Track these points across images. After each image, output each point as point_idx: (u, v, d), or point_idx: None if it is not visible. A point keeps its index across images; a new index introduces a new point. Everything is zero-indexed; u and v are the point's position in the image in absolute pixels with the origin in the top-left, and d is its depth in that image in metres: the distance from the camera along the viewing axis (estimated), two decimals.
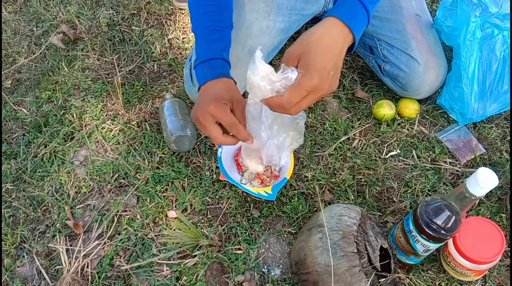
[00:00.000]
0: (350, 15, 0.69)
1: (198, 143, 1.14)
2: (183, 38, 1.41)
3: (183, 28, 1.45)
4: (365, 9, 0.72)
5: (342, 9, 0.69)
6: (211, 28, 0.89)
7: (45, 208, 1.05)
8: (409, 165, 1.08)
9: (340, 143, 1.12)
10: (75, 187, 1.08)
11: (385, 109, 1.14)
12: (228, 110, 0.78)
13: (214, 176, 1.07)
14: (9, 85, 1.32)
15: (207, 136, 0.79)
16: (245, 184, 1.02)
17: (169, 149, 1.12)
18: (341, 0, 0.72)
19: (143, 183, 1.07)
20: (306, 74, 0.65)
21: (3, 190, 1.08)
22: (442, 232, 0.76)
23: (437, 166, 1.08)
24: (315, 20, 1.38)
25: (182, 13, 1.49)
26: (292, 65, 0.67)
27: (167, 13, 1.49)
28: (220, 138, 0.79)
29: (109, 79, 1.30)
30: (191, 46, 1.38)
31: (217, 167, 1.08)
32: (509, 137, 1.12)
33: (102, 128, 1.18)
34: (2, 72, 1.35)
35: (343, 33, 0.68)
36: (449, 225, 0.76)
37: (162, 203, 1.03)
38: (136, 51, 1.38)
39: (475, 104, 1.08)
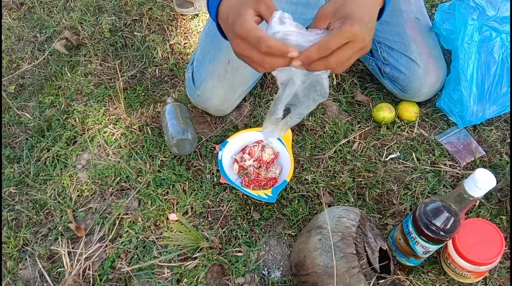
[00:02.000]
0: None
1: (199, 146, 1.15)
2: (184, 43, 1.43)
3: (185, 33, 1.46)
4: None
5: None
6: None
7: (47, 211, 1.06)
8: (409, 167, 1.09)
9: (340, 145, 1.13)
10: (77, 190, 1.09)
11: (385, 112, 1.14)
12: (250, 24, 0.63)
13: (215, 179, 1.08)
14: (13, 91, 1.33)
15: (253, 59, 0.65)
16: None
17: (170, 153, 1.13)
18: None
19: (144, 186, 1.08)
20: (346, 22, 0.60)
21: (6, 193, 1.09)
22: (441, 233, 0.77)
23: (437, 169, 1.08)
24: None
25: (184, 19, 1.51)
26: (325, 24, 0.62)
27: (168, 19, 1.50)
28: (266, 38, 0.61)
29: (111, 84, 1.31)
30: (192, 51, 1.39)
31: (217, 170, 1.08)
32: (509, 140, 1.12)
33: (104, 133, 1.19)
34: (6, 78, 1.37)
35: None
36: (448, 227, 0.76)
37: (163, 206, 1.04)
38: (138, 57, 1.39)
39: (474, 107, 1.08)
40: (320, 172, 1.08)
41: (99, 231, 1.02)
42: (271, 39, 0.61)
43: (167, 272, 0.94)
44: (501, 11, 1.06)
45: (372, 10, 0.65)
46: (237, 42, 0.65)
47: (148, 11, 1.53)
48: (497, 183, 0.79)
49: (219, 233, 0.99)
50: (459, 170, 1.07)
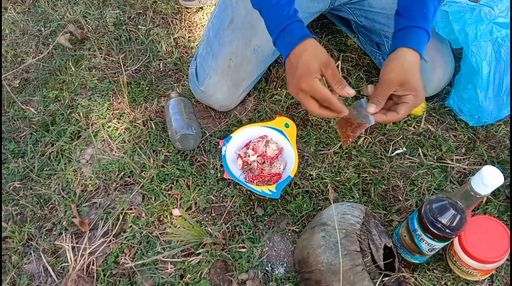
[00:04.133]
0: (421, 45, 0.85)
1: (203, 141, 1.14)
2: (189, 37, 1.41)
3: (189, 27, 1.45)
4: (427, 33, 0.87)
5: (414, 40, 0.85)
6: None
7: (51, 206, 1.06)
8: (415, 163, 1.07)
9: None
10: (81, 185, 1.09)
11: None
12: (318, 85, 0.79)
13: (219, 174, 1.08)
14: (17, 85, 1.33)
15: (310, 108, 0.83)
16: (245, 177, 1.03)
17: (174, 147, 1.12)
18: (408, 31, 0.86)
19: (148, 181, 1.07)
20: (417, 96, 0.81)
21: (11, 188, 1.09)
22: (447, 230, 0.76)
23: (444, 164, 1.06)
24: (322, 17, 1.37)
25: (188, 12, 1.49)
26: (393, 89, 0.81)
27: (173, 12, 1.49)
28: (317, 111, 0.82)
29: (115, 79, 1.31)
30: (196, 45, 1.38)
31: (221, 165, 1.08)
32: None
33: (108, 127, 1.19)
34: (11, 72, 1.37)
35: (418, 58, 0.84)
36: (454, 224, 0.75)
37: (167, 201, 1.04)
38: (142, 50, 1.38)
39: (490, 107, 1.05)
40: (325, 167, 1.07)
41: (103, 226, 1.02)
42: (335, 99, 0.79)
43: (171, 268, 0.94)
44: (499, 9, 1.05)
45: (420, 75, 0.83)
46: (298, 92, 0.81)
47: (152, 4, 1.52)
48: (505, 179, 0.78)
49: (222, 228, 0.99)
50: (466, 166, 1.06)
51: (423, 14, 0.87)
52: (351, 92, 0.80)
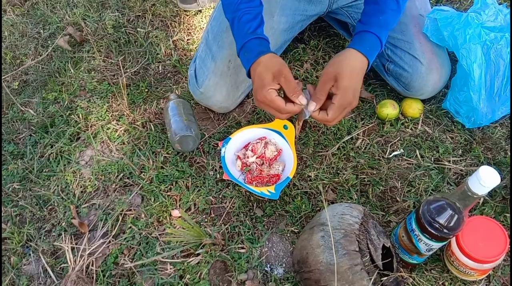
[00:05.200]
0: (370, 49, 0.87)
1: (202, 143, 1.15)
2: (187, 40, 1.42)
3: (188, 29, 1.46)
4: (379, 41, 0.90)
5: (364, 45, 0.87)
6: (243, 11, 0.91)
7: (51, 207, 1.07)
8: (412, 164, 1.08)
9: (343, 142, 1.12)
10: (81, 187, 1.09)
11: (389, 109, 1.14)
12: (272, 96, 0.84)
13: (218, 176, 1.08)
14: (17, 87, 1.34)
15: (273, 114, 0.89)
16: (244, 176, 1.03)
17: (173, 149, 1.13)
18: (361, 34, 0.90)
19: (147, 182, 1.08)
20: (344, 96, 0.83)
21: (10, 189, 1.10)
22: (445, 231, 0.76)
23: (441, 166, 1.07)
24: (320, 20, 1.38)
25: (187, 15, 1.50)
26: (330, 84, 0.84)
27: (171, 15, 1.50)
28: (282, 116, 0.88)
29: (115, 81, 1.31)
30: (195, 48, 1.39)
31: (220, 167, 1.08)
32: None
33: (107, 129, 1.19)
34: (10, 74, 1.37)
35: (364, 63, 0.87)
36: (451, 224, 0.76)
37: (166, 202, 1.04)
38: (141, 53, 1.39)
39: (484, 109, 1.06)
40: (323, 168, 1.08)
41: (102, 227, 1.02)
42: (289, 106, 0.85)
43: (170, 268, 0.95)
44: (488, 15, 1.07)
45: (360, 79, 0.87)
46: (259, 102, 0.87)
47: (151, 7, 1.53)
48: (501, 180, 0.79)
49: (222, 229, 0.99)
50: (463, 167, 1.07)
51: (378, 21, 0.91)
52: (303, 101, 0.86)
